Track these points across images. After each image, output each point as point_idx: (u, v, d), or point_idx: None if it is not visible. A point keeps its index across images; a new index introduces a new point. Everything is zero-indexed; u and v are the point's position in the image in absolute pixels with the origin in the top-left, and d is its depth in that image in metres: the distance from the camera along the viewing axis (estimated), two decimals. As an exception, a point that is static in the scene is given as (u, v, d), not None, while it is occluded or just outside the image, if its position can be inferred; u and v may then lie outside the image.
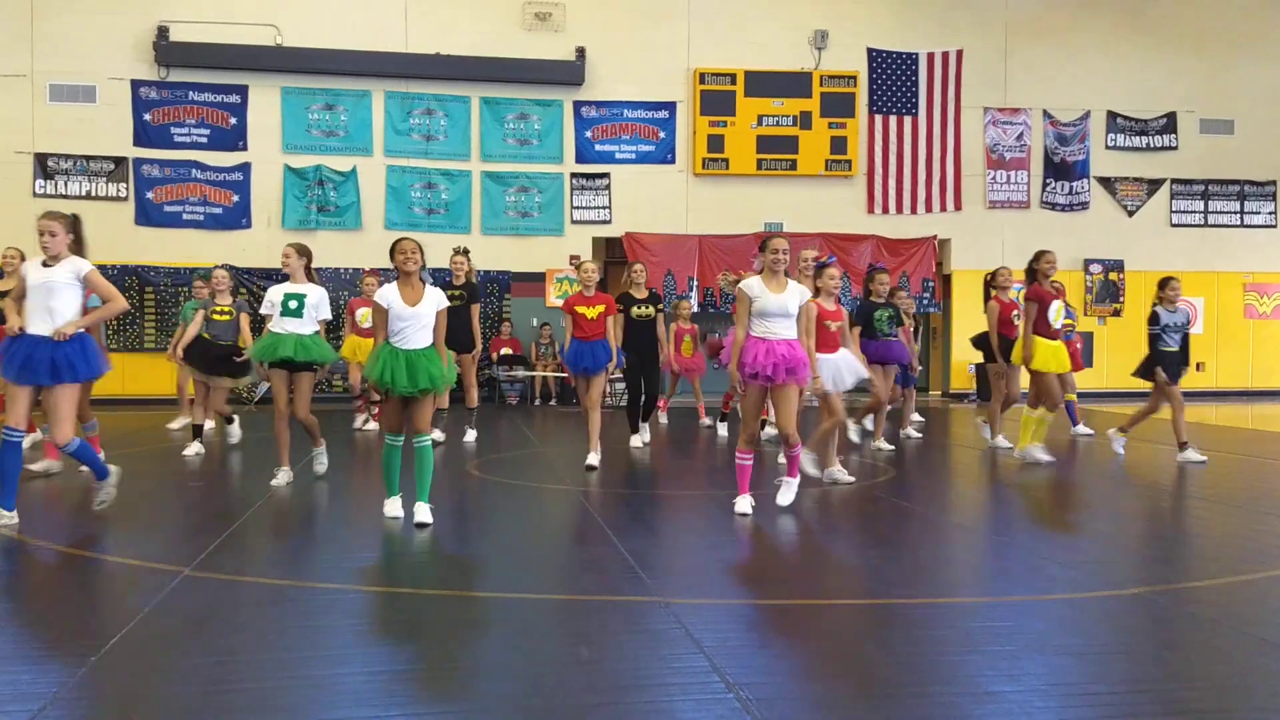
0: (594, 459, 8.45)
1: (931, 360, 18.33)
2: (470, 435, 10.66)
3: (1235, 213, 18.39)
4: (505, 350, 16.39)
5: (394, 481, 6.21)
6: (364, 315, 11.18)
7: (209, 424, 10.05)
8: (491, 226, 16.81)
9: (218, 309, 9.58)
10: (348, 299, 13.57)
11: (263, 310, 7.79)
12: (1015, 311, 9.62)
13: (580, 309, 8.77)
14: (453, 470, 8.70)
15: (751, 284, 6.33)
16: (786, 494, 6.64)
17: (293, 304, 7.54)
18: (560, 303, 11.24)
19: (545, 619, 4.39)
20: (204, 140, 16.20)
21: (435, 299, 6.14)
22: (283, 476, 7.54)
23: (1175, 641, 4.06)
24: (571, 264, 8.01)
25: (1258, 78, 18.17)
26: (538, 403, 16.28)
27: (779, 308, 6.25)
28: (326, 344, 7.74)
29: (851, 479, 7.70)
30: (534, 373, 16.11)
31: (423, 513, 6.04)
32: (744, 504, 6.43)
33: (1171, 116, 18.15)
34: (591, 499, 7.23)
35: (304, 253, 7.67)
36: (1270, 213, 18.40)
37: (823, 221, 16.99)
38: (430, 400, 6.18)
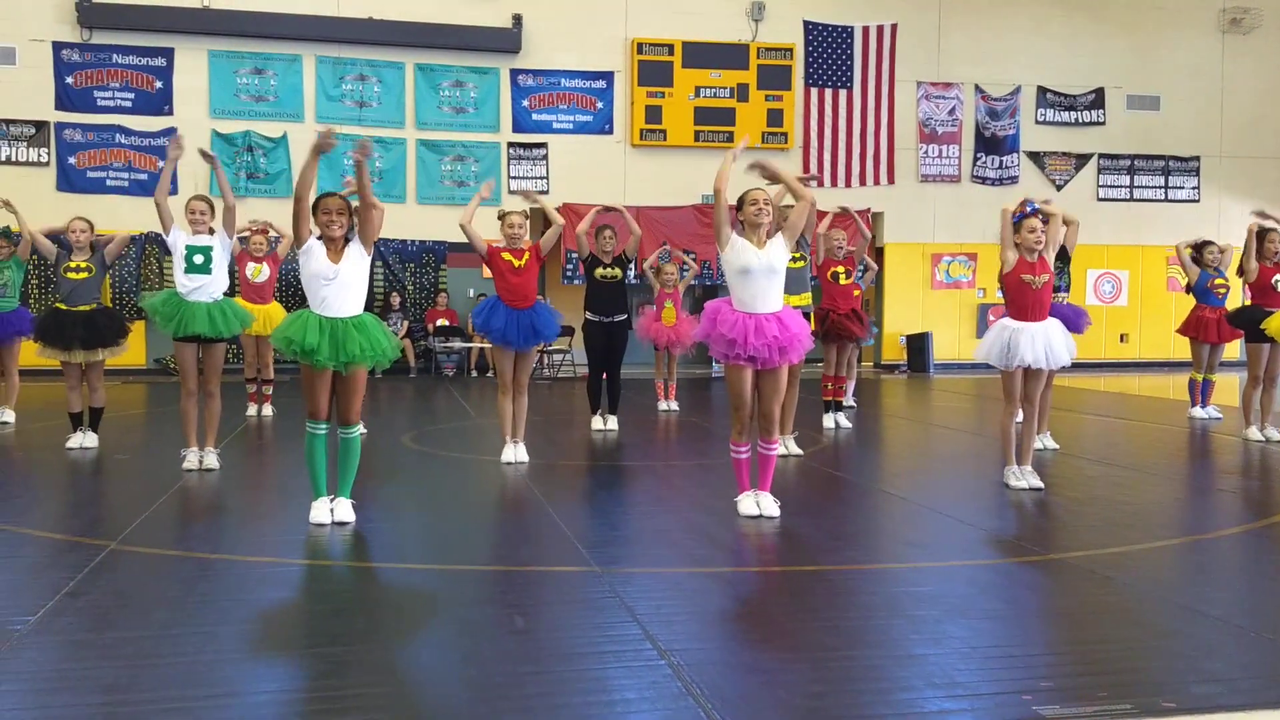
0: (519, 454, 7.48)
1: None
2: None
3: (1160, 187, 18.84)
4: (441, 321, 16.26)
5: (320, 480, 5.45)
6: (255, 270, 9.87)
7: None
8: (427, 195, 16.61)
9: (72, 265, 7.93)
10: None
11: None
12: (1277, 276, 8.73)
13: (507, 256, 7.64)
14: (387, 442, 8.63)
15: (734, 240, 5.56)
16: (770, 506, 5.62)
17: (198, 258, 6.95)
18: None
19: (481, 590, 4.40)
20: (128, 104, 15.72)
21: (357, 255, 5.51)
22: (193, 459, 6.95)
23: (1092, 605, 4.20)
24: (499, 219, 7.74)
25: (1183, 55, 18.57)
26: (474, 374, 16.19)
27: (763, 265, 5.45)
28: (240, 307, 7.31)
29: (801, 451, 7.82)
30: (471, 344, 16.00)
31: (344, 510, 5.42)
32: (748, 502, 5.63)
33: (1100, 92, 18.51)
34: (528, 471, 7.23)
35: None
36: (1194, 187, 18.89)
37: (760, 193, 17.07)
38: (362, 379, 5.46)
